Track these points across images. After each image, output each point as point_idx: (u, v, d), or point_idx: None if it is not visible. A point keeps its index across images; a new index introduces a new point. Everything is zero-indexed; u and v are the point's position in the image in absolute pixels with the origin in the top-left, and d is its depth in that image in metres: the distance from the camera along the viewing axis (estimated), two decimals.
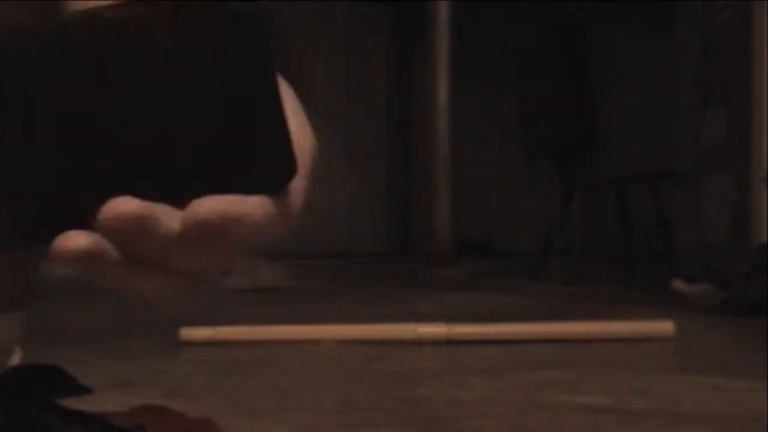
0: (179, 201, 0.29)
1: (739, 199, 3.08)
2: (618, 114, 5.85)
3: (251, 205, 0.29)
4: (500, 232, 6.44)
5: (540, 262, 4.31)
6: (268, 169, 0.29)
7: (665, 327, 1.94)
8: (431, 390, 1.36)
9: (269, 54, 0.27)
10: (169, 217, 0.29)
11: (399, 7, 6.44)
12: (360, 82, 6.44)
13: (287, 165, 0.29)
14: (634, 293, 3.20)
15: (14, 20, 0.25)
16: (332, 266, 4.93)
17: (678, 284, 2.85)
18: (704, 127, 3.38)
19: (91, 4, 0.26)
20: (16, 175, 0.28)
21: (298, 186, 0.31)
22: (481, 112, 6.26)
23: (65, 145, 0.28)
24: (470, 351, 1.78)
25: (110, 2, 0.26)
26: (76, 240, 0.28)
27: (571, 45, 4.31)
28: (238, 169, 0.29)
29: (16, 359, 0.54)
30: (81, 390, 0.56)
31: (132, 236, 0.29)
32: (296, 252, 4.20)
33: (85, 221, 0.29)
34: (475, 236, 6.17)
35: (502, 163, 6.18)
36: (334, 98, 6.21)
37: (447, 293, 3.28)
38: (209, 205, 0.29)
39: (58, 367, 0.53)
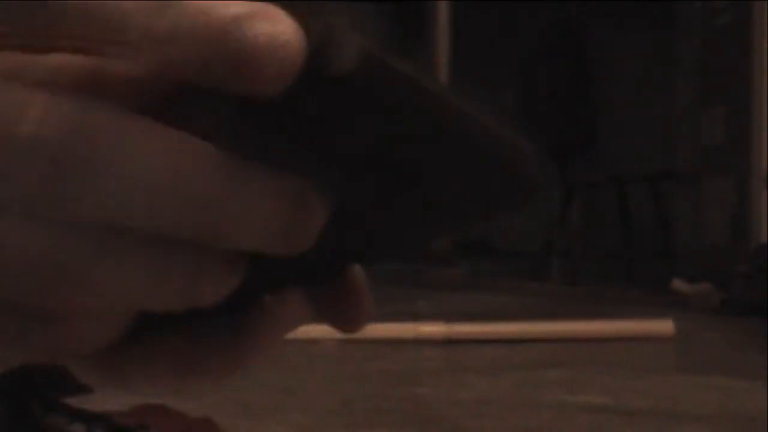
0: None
1: (739, 199, 3.08)
2: (618, 114, 5.85)
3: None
4: (500, 232, 6.43)
5: (540, 262, 4.31)
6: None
7: (665, 327, 1.94)
8: (431, 390, 1.36)
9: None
10: None
11: (399, 7, 6.45)
12: None
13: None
14: (634, 293, 3.21)
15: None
16: None
17: (678, 284, 2.85)
18: (704, 127, 3.38)
19: None
20: None
21: None
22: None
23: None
24: (470, 351, 1.78)
25: None
26: None
27: (571, 45, 4.31)
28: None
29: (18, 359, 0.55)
30: (82, 389, 0.56)
31: None
32: None
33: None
34: (475, 236, 6.17)
35: None
36: None
37: (447, 293, 3.29)
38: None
39: (61, 365, 0.53)
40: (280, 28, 0.19)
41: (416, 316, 2.23)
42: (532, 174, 0.23)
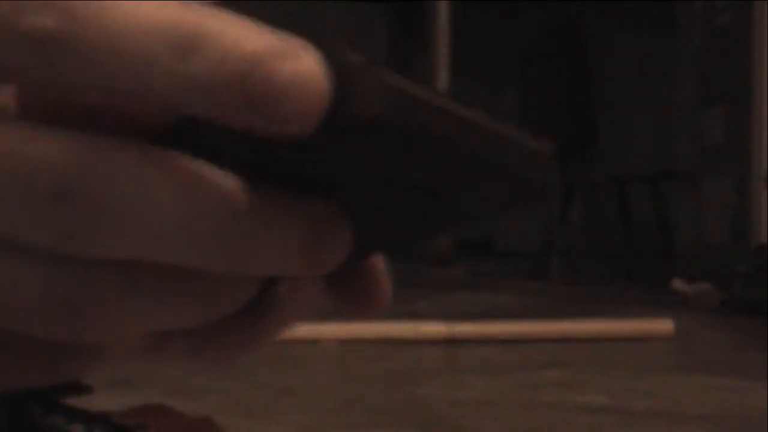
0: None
1: (739, 199, 3.08)
2: (618, 114, 5.85)
3: None
4: (500, 232, 6.43)
5: (540, 262, 4.31)
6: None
7: (665, 327, 1.94)
8: (431, 390, 1.36)
9: None
10: None
11: (399, 7, 6.44)
12: None
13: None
14: (634, 293, 3.21)
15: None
16: None
17: (678, 284, 2.85)
18: (704, 127, 3.38)
19: None
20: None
21: None
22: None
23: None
24: (470, 351, 1.78)
25: None
26: None
27: (571, 45, 4.31)
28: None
29: None
30: (81, 389, 0.56)
31: None
32: None
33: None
34: (475, 236, 6.17)
35: None
36: None
37: (447, 293, 3.29)
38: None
39: None
40: (304, 66, 0.18)
41: (416, 316, 2.23)
42: (546, 177, 0.23)
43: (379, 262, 0.27)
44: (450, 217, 0.24)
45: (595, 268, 4.61)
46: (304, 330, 1.87)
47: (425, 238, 0.26)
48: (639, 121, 6.08)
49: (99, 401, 0.63)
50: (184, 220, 0.19)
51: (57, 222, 0.19)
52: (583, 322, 2.00)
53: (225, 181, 0.20)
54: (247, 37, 0.18)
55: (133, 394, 1.24)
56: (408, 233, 0.25)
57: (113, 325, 0.21)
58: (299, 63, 0.18)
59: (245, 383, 1.37)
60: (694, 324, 2.20)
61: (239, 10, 0.19)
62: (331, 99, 0.19)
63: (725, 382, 1.42)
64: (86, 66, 0.19)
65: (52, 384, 0.45)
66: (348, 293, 0.26)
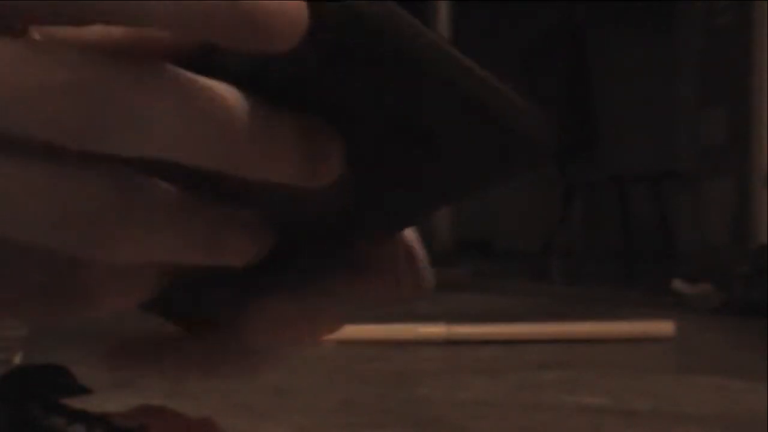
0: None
1: (740, 200, 3.08)
2: (618, 114, 5.85)
3: None
4: (500, 232, 6.43)
5: (540, 262, 4.31)
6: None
7: (665, 327, 1.94)
8: (431, 390, 1.36)
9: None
10: None
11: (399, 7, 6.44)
12: None
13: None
14: (634, 293, 3.21)
15: None
16: None
17: (678, 285, 2.86)
18: (704, 128, 3.38)
19: None
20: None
21: None
22: None
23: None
24: (470, 351, 1.78)
25: None
26: None
27: (571, 46, 4.31)
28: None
29: (17, 359, 0.55)
30: (82, 390, 0.56)
31: None
32: None
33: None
34: (475, 236, 6.17)
35: None
36: None
37: (447, 293, 3.29)
38: None
39: (60, 366, 0.53)
40: None
41: (416, 317, 2.23)
42: (537, 132, 0.23)
43: (417, 247, 0.28)
44: (448, 180, 0.25)
45: (596, 268, 4.61)
46: None
47: (426, 208, 0.26)
48: (639, 122, 6.08)
49: (99, 402, 0.63)
50: (191, 123, 0.21)
51: (71, 114, 0.20)
52: (583, 323, 2.00)
53: (227, 89, 0.21)
54: None
55: (133, 396, 1.24)
56: (408, 201, 0.26)
57: (121, 241, 0.21)
58: None
59: (245, 384, 1.37)
60: (694, 325, 2.20)
61: None
62: (330, 9, 0.20)
63: (725, 383, 1.42)
64: None
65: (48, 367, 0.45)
66: (389, 278, 0.27)
